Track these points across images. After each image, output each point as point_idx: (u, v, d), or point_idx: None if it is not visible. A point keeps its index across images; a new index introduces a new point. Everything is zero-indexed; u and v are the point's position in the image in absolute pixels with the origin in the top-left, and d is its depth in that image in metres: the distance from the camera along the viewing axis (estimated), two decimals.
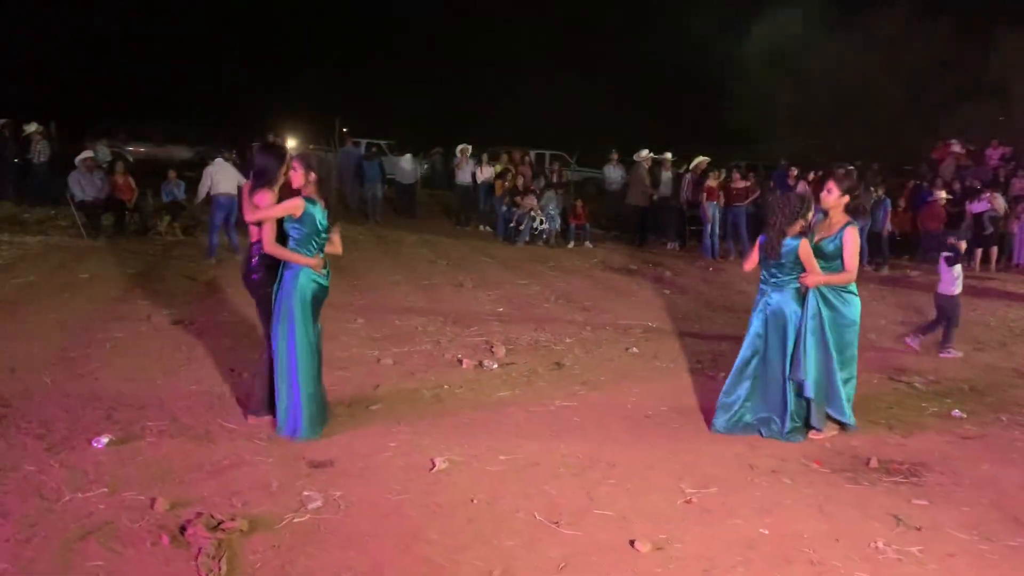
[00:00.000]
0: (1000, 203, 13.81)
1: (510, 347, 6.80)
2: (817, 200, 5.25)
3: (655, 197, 14.61)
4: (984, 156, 17.94)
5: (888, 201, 13.75)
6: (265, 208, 4.49)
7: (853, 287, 5.04)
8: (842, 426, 5.06)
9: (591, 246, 14.23)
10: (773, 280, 4.98)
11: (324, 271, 4.64)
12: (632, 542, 3.49)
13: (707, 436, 4.95)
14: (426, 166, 24.54)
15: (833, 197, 4.99)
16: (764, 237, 5.00)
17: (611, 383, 5.97)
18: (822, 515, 3.88)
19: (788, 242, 4.86)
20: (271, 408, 4.67)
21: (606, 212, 17.03)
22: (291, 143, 22.36)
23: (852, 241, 4.91)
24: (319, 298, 4.65)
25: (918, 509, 4.00)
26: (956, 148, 17.63)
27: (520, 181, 14.73)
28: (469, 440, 4.63)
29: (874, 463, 4.57)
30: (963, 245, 7.45)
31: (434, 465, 4.23)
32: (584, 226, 14.69)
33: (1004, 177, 16.18)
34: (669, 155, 15.15)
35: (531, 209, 14.16)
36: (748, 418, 5.03)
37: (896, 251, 14.24)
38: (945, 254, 7.35)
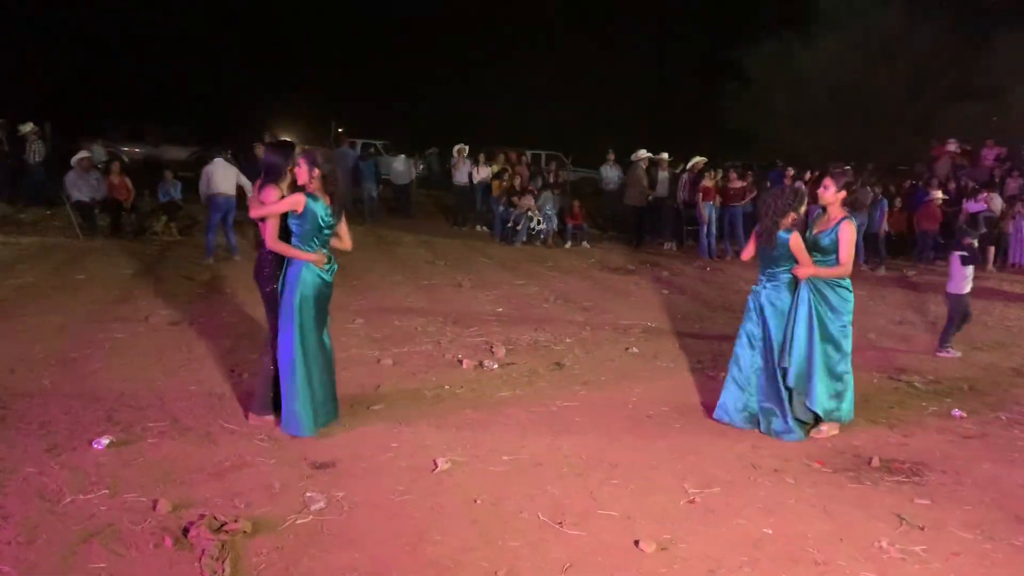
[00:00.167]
0: (997, 204, 13.85)
1: (510, 347, 6.79)
2: (814, 197, 5.31)
3: (651, 197, 14.61)
4: (979, 156, 17.99)
5: (885, 201, 13.78)
6: (268, 204, 4.51)
7: (847, 283, 5.04)
8: (841, 423, 5.08)
9: (588, 246, 14.22)
10: (768, 271, 5.11)
11: (327, 267, 4.63)
12: (637, 542, 3.49)
13: (709, 436, 4.94)
14: (422, 166, 24.55)
15: (830, 193, 5.04)
16: (759, 227, 5.11)
17: (612, 383, 5.97)
18: (826, 515, 3.88)
19: (780, 235, 4.98)
20: (276, 408, 4.66)
21: (603, 212, 17.04)
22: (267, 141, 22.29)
23: (847, 235, 4.94)
24: (324, 294, 4.64)
25: (921, 508, 4.00)
26: (952, 148, 17.68)
27: (517, 181, 14.72)
28: (471, 440, 4.62)
29: (876, 462, 4.57)
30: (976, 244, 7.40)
31: (436, 466, 4.22)
32: (581, 226, 14.69)
33: (999, 177, 16.23)
34: (666, 155, 15.15)
35: (528, 209, 14.15)
36: (753, 405, 5.09)
37: (892, 251, 14.26)
38: (960, 253, 7.27)
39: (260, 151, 11.27)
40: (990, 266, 13.68)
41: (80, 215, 12.17)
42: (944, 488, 4.28)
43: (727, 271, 12.20)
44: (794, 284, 5.06)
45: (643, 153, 14.55)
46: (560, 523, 3.65)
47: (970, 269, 7.29)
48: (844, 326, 5.03)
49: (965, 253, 7.23)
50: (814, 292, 4.98)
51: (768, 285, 5.11)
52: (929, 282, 12.25)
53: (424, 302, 8.68)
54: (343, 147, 17.92)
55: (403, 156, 17.84)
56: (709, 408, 5.42)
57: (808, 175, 15.10)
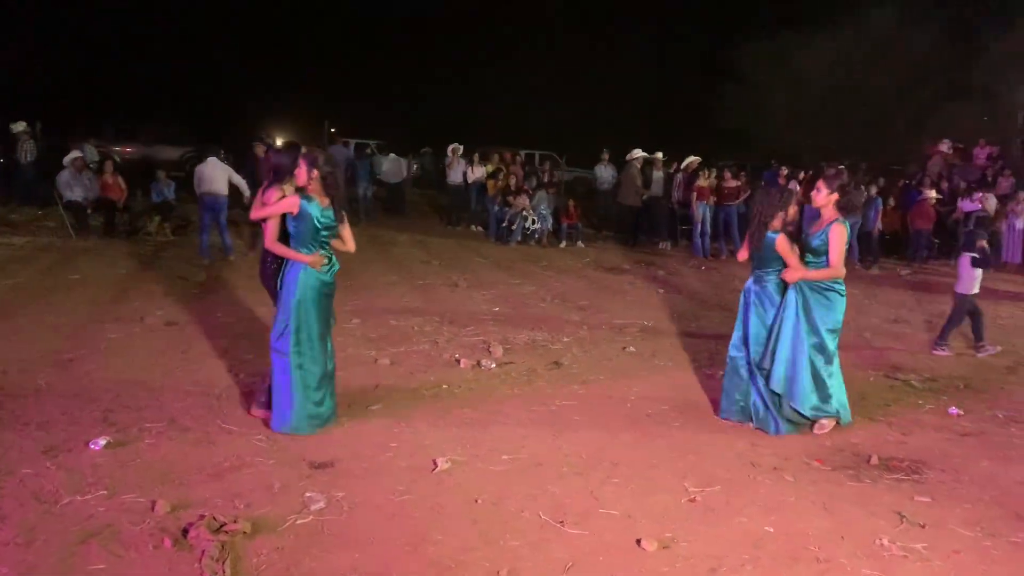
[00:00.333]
0: (991, 204, 13.92)
1: (507, 347, 6.78)
2: (807, 199, 5.34)
3: (646, 196, 14.60)
4: (972, 155, 18.07)
5: (879, 200, 13.82)
6: (268, 205, 4.54)
7: (840, 285, 5.04)
8: (838, 420, 5.10)
9: (583, 246, 14.21)
10: (757, 272, 5.17)
11: (326, 267, 4.62)
12: (638, 541, 3.48)
13: (708, 434, 4.95)
14: (415, 166, 24.52)
15: (822, 195, 5.07)
16: (750, 228, 5.18)
17: (610, 382, 5.96)
18: (826, 513, 3.88)
19: (768, 236, 5.03)
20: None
21: (597, 212, 17.04)
22: (279, 142, 22.26)
23: (837, 237, 4.94)
24: (323, 295, 4.63)
25: (921, 506, 4.01)
26: (944, 148, 17.75)
27: (512, 181, 14.71)
28: (471, 440, 4.61)
29: (875, 460, 4.58)
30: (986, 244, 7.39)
31: (436, 465, 4.20)
32: (576, 226, 14.68)
33: (991, 176, 16.31)
34: (660, 154, 15.16)
35: (523, 209, 14.14)
36: (742, 399, 5.17)
37: (885, 250, 14.31)
38: (971, 255, 7.25)
39: (260, 151, 11.25)
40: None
41: (73, 215, 12.10)
42: (943, 486, 4.29)
43: (722, 270, 12.22)
44: (783, 286, 5.08)
45: (638, 153, 14.56)
46: (561, 522, 3.64)
47: (980, 271, 7.26)
48: (833, 329, 5.02)
49: (976, 255, 7.20)
50: (801, 295, 5.00)
51: (756, 285, 5.17)
52: (923, 281, 12.32)
53: (420, 302, 8.66)
54: (336, 146, 17.89)
55: (392, 155, 17.84)
56: (707, 407, 5.45)
57: (802, 175, 15.15)
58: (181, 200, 13.40)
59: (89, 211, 12.28)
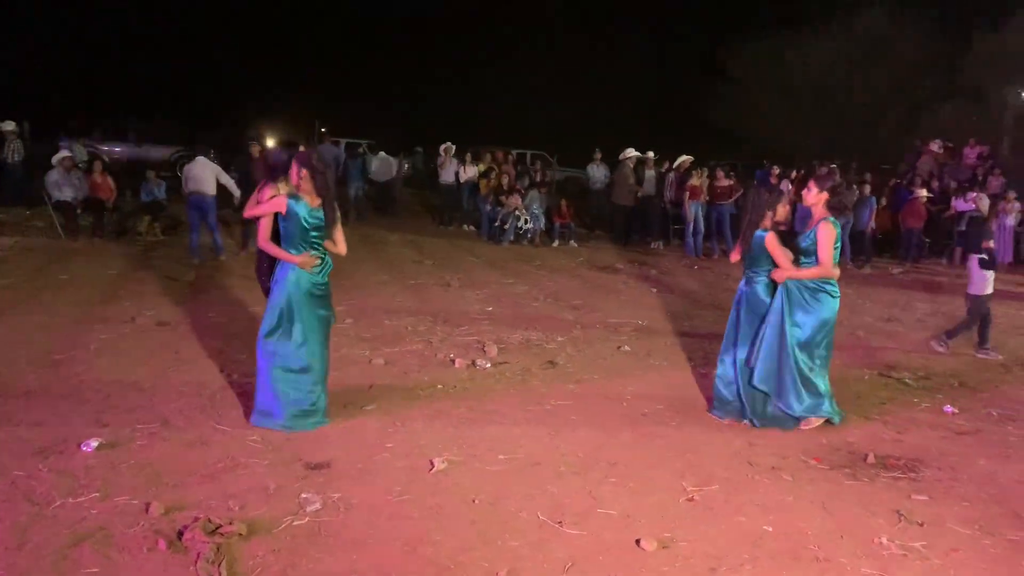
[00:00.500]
0: (985, 204, 13.97)
1: (502, 346, 6.75)
2: (799, 197, 5.37)
3: (640, 193, 14.59)
4: (962, 155, 18.15)
5: (873, 200, 13.84)
6: (259, 205, 4.52)
7: (832, 286, 5.03)
8: (828, 419, 5.10)
9: (575, 245, 14.20)
10: (749, 271, 5.20)
11: (317, 268, 4.59)
12: (638, 541, 3.46)
13: (706, 433, 4.93)
14: (406, 166, 24.46)
15: (812, 195, 5.09)
16: (741, 228, 5.27)
17: (606, 381, 5.94)
18: (825, 512, 3.87)
19: (757, 234, 5.08)
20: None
21: (589, 211, 17.02)
22: (270, 143, 22.17)
23: (825, 236, 4.94)
24: (313, 295, 4.60)
25: (919, 504, 4.01)
26: (935, 147, 17.82)
27: (505, 180, 14.67)
28: (467, 440, 4.58)
29: (871, 459, 4.58)
30: (993, 244, 7.37)
31: (433, 466, 4.17)
32: (569, 225, 14.67)
33: (982, 176, 16.38)
34: (652, 154, 15.16)
35: (516, 208, 14.11)
36: (731, 396, 5.22)
37: (877, 249, 14.34)
38: (979, 256, 7.23)
39: (254, 151, 11.17)
40: (955, 262, 13.82)
41: (62, 215, 11.98)
42: (941, 484, 4.29)
43: (714, 269, 12.23)
44: (773, 286, 5.11)
45: (631, 152, 14.55)
46: (560, 522, 3.61)
47: (990, 272, 7.25)
48: (822, 330, 5.00)
49: (984, 256, 7.20)
50: (789, 295, 5.00)
51: (746, 287, 5.21)
52: (914, 280, 12.36)
53: (413, 301, 8.61)
54: (325, 144, 17.79)
55: (382, 153, 17.80)
56: (703, 406, 5.45)
57: (794, 174, 15.19)
58: (172, 200, 13.30)
59: (78, 211, 12.16)
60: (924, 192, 14.23)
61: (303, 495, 3.75)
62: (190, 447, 4.30)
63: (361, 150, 18.55)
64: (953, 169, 17.30)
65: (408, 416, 4.93)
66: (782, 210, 5.21)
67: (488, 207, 14.62)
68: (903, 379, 6.38)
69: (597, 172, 16.70)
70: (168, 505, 3.57)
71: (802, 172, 15.70)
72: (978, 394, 6.09)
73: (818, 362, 5.04)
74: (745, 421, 5.11)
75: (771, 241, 5.05)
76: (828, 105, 25.31)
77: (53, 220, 12.01)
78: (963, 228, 14.06)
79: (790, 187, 13.46)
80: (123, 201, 13.05)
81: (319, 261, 4.62)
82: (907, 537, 3.64)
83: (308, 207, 4.51)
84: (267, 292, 4.69)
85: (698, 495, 3.99)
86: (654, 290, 10.18)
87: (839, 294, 5.09)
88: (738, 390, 5.15)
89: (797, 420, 5.05)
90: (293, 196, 4.50)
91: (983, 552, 3.55)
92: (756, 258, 5.14)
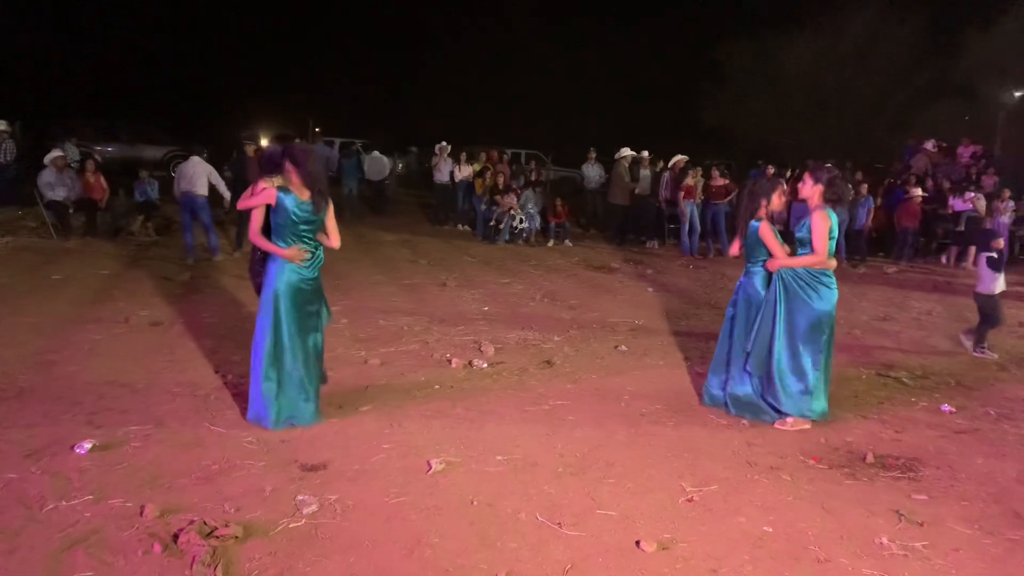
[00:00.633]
0: (982, 205, 13.95)
1: (498, 346, 6.71)
2: (795, 194, 5.40)
3: (637, 190, 14.55)
4: (956, 154, 18.19)
5: (870, 199, 13.85)
6: (251, 197, 4.51)
7: (829, 278, 5.02)
8: (811, 421, 5.09)
9: (570, 245, 14.17)
10: (748, 264, 5.22)
11: (307, 262, 4.56)
12: (638, 543, 3.43)
13: (704, 433, 4.91)
14: (400, 165, 24.42)
15: (807, 187, 5.10)
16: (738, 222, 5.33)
17: (603, 381, 5.91)
18: (825, 512, 3.85)
19: (752, 224, 5.11)
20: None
21: (584, 211, 17.00)
22: (264, 142, 22.10)
23: (818, 223, 4.94)
24: (303, 290, 4.57)
25: (919, 504, 3.99)
26: (929, 146, 17.86)
27: (501, 180, 14.64)
28: (464, 440, 4.55)
29: (870, 458, 4.56)
30: (1002, 243, 7.32)
31: (430, 467, 4.13)
32: (564, 224, 14.64)
33: (975, 175, 16.42)
34: (647, 153, 15.15)
35: (511, 208, 14.08)
36: (720, 393, 5.32)
37: (871, 248, 14.35)
38: (988, 254, 7.20)
39: (249, 150, 11.11)
40: (970, 264, 13.82)
41: (54, 215, 11.90)
42: (940, 483, 4.28)
43: (710, 268, 12.22)
44: (769, 278, 5.12)
45: (626, 151, 14.53)
46: (559, 524, 3.58)
47: (1000, 272, 7.18)
48: (818, 323, 4.97)
49: (994, 255, 7.16)
50: (784, 285, 5.02)
51: (744, 279, 5.23)
52: (909, 279, 12.38)
53: (408, 301, 8.57)
54: (318, 144, 17.78)
55: (376, 153, 17.76)
56: (702, 407, 5.42)
57: (788, 173, 15.19)
58: (165, 200, 13.23)
59: (71, 211, 12.09)
60: (919, 191, 14.25)
61: (299, 497, 3.72)
62: (185, 449, 4.26)
63: (355, 148, 18.53)
64: (947, 168, 17.34)
65: (405, 417, 4.89)
66: (777, 200, 5.20)
67: (483, 206, 14.58)
68: (900, 378, 6.37)
69: (592, 172, 16.70)
70: (163, 508, 3.53)
71: (797, 172, 15.71)
72: (975, 393, 6.08)
73: (812, 356, 4.99)
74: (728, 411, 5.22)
75: (764, 229, 5.08)
76: (821, 105, 25.37)
77: (45, 220, 11.93)
78: (962, 228, 14.07)
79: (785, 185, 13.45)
80: (116, 201, 12.95)
81: (309, 255, 4.58)
82: (908, 537, 3.62)
83: (297, 199, 4.49)
84: (259, 290, 4.66)
85: (697, 495, 3.97)
86: (650, 289, 10.16)
87: (836, 287, 5.07)
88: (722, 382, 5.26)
89: (777, 414, 5.06)
90: (282, 188, 4.47)
91: (984, 552, 3.54)
92: (752, 249, 5.17)
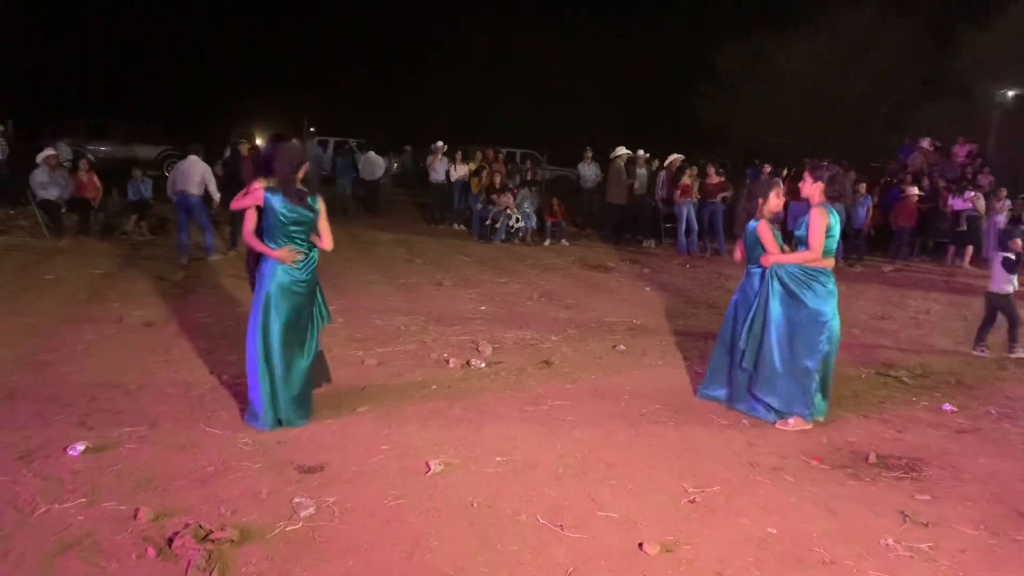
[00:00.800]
0: (981, 204, 13.99)
1: (496, 346, 6.66)
2: (793, 193, 5.39)
3: (637, 184, 14.49)
4: (951, 153, 18.20)
5: (869, 198, 13.83)
6: (243, 198, 4.48)
7: (826, 276, 4.98)
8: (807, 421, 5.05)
9: (567, 244, 14.13)
10: (748, 265, 5.22)
11: (298, 265, 4.50)
12: (640, 545, 3.38)
13: (705, 433, 4.86)
14: (395, 164, 24.36)
15: (807, 185, 5.08)
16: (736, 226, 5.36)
17: (602, 381, 5.86)
18: (829, 513, 3.81)
19: (749, 225, 5.12)
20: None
21: (580, 210, 16.96)
22: (258, 140, 22.01)
23: (816, 220, 4.92)
24: (295, 291, 4.51)
25: (923, 504, 3.95)
26: (925, 145, 17.87)
27: (497, 179, 14.59)
28: (463, 441, 4.49)
29: (873, 458, 4.52)
30: (1020, 245, 7.27)
31: (429, 468, 4.08)
32: (560, 224, 14.60)
33: (971, 174, 16.43)
34: (643, 152, 15.11)
35: (507, 207, 14.03)
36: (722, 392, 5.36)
37: (868, 247, 14.34)
38: (1004, 255, 7.18)
39: (244, 149, 11.05)
40: (967, 264, 13.83)
41: (47, 214, 11.80)
42: (943, 483, 4.24)
43: (707, 268, 12.19)
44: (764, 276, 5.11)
45: (622, 150, 14.48)
46: (560, 526, 3.53)
47: (1014, 273, 7.14)
48: (811, 322, 4.92)
49: (1011, 256, 7.11)
50: (777, 283, 5.00)
51: (745, 278, 5.23)
52: (906, 278, 12.37)
53: (405, 301, 8.51)
54: (309, 144, 17.69)
55: (372, 152, 17.70)
56: (701, 405, 5.40)
57: (785, 172, 15.18)
58: (159, 199, 13.14)
59: (63, 210, 11.99)
60: (915, 190, 14.24)
61: (296, 499, 3.66)
62: (180, 450, 4.19)
63: (348, 147, 18.48)
64: (942, 167, 17.35)
65: (403, 417, 4.84)
66: (775, 199, 5.19)
67: (479, 206, 14.53)
68: (900, 377, 6.34)
69: (588, 171, 16.66)
70: (157, 511, 3.47)
71: (793, 171, 15.71)
72: (975, 392, 6.05)
73: (808, 356, 4.92)
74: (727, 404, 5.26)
75: (762, 228, 5.08)
76: (816, 104, 25.37)
77: (38, 219, 11.84)
78: (963, 227, 14.06)
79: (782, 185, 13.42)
80: (109, 200, 12.86)
81: (301, 256, 4.53)
82: (913, 538, 3.58)
83: (284, 200, 4.43)
84: (252, 287, 4.63)
85: (699, 496, 3.92)
86: (647, 288, 10.12)
87: (833, 289, 5.01)
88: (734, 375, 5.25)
89: (768, 411, 5.04)
90: (270, 189, 4.42)
91: (990, 553, 3.50)
92: (751, 249, 5.18)
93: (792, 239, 5.17)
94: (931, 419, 5.35)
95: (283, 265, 4.47)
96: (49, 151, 12.30)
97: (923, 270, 13.34)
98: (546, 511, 3.67)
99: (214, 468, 3.98)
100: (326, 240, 4.67)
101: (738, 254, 5.37)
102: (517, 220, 14.06)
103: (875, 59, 24.66)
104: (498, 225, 13.96)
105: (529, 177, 16.13)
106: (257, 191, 4.43)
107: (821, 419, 5.07)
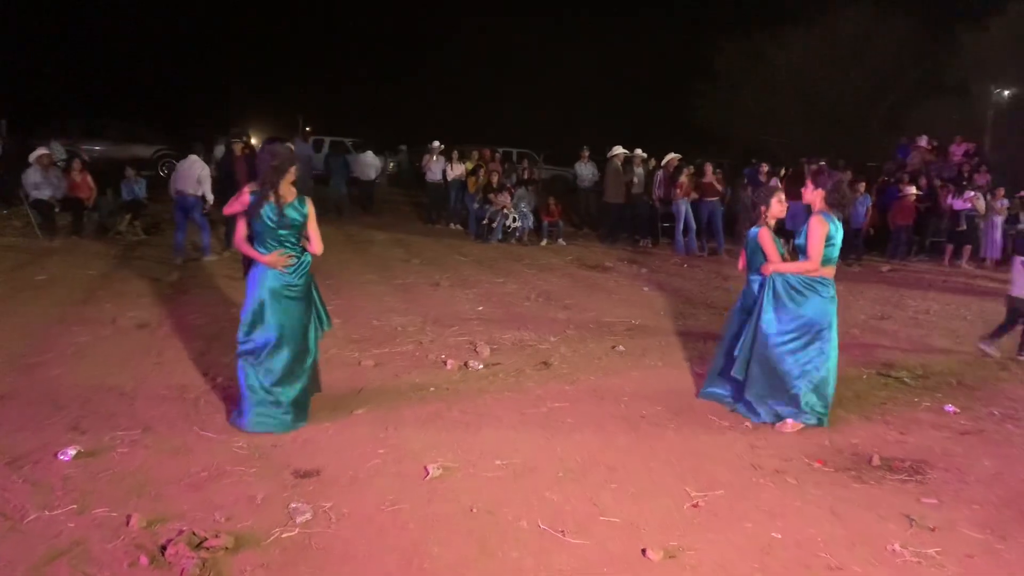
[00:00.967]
0: (981, 204, 13.97)
1: (494, 347, 6.59)
2: (791, 194, 5.37)
3: (635, 179, 14.42)
4: (948, 152, 18.18)
5: (867, 198, 13.80)
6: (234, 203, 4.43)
7: (824, 285, 4.92)
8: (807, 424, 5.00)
9: (564, 243, 14.06)
10: (749, 273, 5.21)
11: (289, 269, 4.44)
12: (644, 550, 3.32)
13: (706, 436, 4.80)
14: (391, 164, 24.28)
15: (808, 191, 5.03)
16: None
17: (601, 382, 5.80)
18: (834, 517, 3.75)
19: (750, 232, 5.10)
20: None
21: (577, 210, 16.90)
22: (253, 140, 21.90)
23: (815, 229, 4.88)
24: (285, 296, 4.47)
25: (929, 508, 3.89)
26: (923, 144, 17.85)
27: (494, 178, 14.52)
28: (462, 444, 4.42)
29: (876, 461, 4.47)
30: None
31: (427, 472, 4.01)
32: (557, 223, 14.53)
33: (968, 173, 16.41)
34: (640, 151, 15.05)
35: (504, 207, 13.96)
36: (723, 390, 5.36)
37: (866, 247, 14.31)
38: (1023, 258, 7.08)
39: (238, 149, 10.97)
40: (965, 263, 13.81)
41: (40, 214, 11.70)
42: (949, 486, 4.18)
43: (704, 267, 12.12)
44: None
45: (619, 150, 14.42)
46: (562, 531, 3.47)
47: None
48: (804, 330, 4.87)
49: None
50: (773, 290, 4.96)
51: (746, 287, 5.22)
52: (904, 277, 12.33)
53: (402, 301, 8.44)
54: (296, 140, 17.48)
55: (369, 152, 17.62)
56: (703, 407, 5.34)
57: (782, 171, 15.12)
58: (154, 198, 13.04)
59: (56, 210, 11.89)
60: (913, 190, 14.21)
61: (292, 505, 3.58)
62: (173, 455, 4.12)
63: (341, 147, 18.40)
64: (939, 166, 17.33)
65: (400, 420, 4.77)
66: (777, 205, 5.16)
67: (476, 205, 14.46)
68: (902, 378, 6.29)
69: (585, 170, 16.59)
70: (150, 517, 3.40)
71: (790, 170, 15.65)
72: (977, 393, 6.00)
73: (797, 365, 4.88)
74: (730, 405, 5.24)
75: (764, 235, 5.06)
76: (815, 103, 25.35)
77: (31, 219, 11.73)
78: (963, 227, 14.03)
79: (779, 184, 13.38)
80: (103, 200, 12.75)
81: (292, 260, 4.46)
82: (920, 543, 3.52)
83: (271, 204, 4.37)
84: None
85: (702, 501, 3.86)
86: (645, 288, 10.06)
87: (833, 296, 4.95)
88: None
89: (757, 416, 5.03)
90: (255, 192, 4.36)
91: (998, 557, 3.44)
92: (753, 256, 5.17)
93: (791, 239, 5.12)
94: (933, 420, 5.30)
95: (274, 270, 4.42)
96: (42, 150, 12.19)
97: (921, 270, 13.32)
98: (547, 516, 3.61)
99: (208, 473, 3.91)
100: (316, 244, 4.59)
101: (740, 263, 5.35)
102: (514, 220, 13.99)
103: (873, 59, 24.65)
104: (495, 225, 13.89)
105: (526, 176, 16.07)
106: (245, 197, 4.40)
107: (824, 425, 4.99)
